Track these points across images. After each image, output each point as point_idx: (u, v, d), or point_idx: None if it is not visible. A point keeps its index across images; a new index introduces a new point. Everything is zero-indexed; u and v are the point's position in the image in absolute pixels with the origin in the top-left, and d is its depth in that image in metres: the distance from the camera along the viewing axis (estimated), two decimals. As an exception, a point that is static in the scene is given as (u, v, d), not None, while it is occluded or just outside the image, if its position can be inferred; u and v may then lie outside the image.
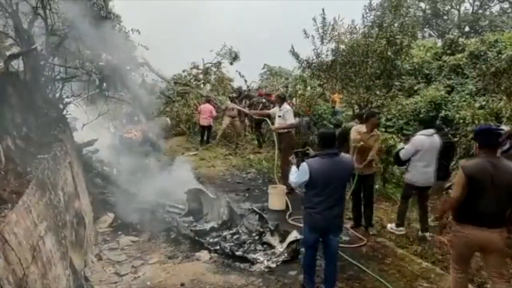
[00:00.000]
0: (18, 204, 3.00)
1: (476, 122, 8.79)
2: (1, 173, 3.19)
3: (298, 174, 4.48)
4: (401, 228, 6.69)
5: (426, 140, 6.26)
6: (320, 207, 4.39)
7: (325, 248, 4.68)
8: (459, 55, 13.22)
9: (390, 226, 6.80)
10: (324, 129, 6.94)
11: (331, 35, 11.15)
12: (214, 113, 14.57)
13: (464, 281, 4.24)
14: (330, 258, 4.68)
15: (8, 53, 5.16)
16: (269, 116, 9.92)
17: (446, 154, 6.93)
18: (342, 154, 4.57)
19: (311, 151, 4.92)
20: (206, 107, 14.34)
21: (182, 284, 4.93)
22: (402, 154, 6.42)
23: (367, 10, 11.15)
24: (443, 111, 11.18)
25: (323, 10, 11.05)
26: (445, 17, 28.36)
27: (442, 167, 6.77)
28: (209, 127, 14.60)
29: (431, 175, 6.36)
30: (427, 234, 6.47)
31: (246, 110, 13.73)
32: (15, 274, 2.67)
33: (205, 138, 14.50)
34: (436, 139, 6.33)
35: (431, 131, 6.35)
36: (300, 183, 4.48)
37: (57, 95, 6.08)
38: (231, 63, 18.75)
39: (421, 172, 6.31)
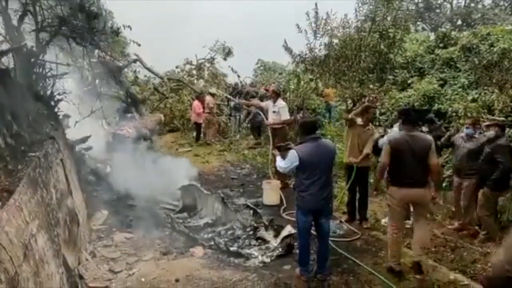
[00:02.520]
0: (9, 203, 2.98)
1: (469, 115, 8.81)
2: (-8, 171, 3.16)
3: (287, 160, 4.81)
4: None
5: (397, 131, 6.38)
6: (311, 189, 4.72)
7: (317, 230, 5.05)
8: (452, 49, 13.22)
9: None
10: (305, 118, 7.34)
11: (324, 30, 11.13)
12: (201, 109, 14.09)
13: (400, 238, 5.17)
14: (322, 239, 5.07)
15: (-3, 50, 5.11)
16: (261, 109, 9.90)
17: (437, 148, 6.97)
18: (324, 139, 5.07)
19: (292, 145, 5.10)
20: (195, 104, 14.17)
21: (177, 280, 4.94)
22: (379, 142, 6.48)
23: (360, 4, 11.14)
24: (436, 105, 11.19)
25: (316, 4, 11.02)
26: (437, 11, 28.34)
27: None
28: (200, 124, 14.38)
29: None
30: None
31: (236, 100, 13.80)
32: (7, 273, 2.65)
33: (200, 135, 14.33)
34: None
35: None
36: (291, 168, 4.79)
37: (49, 92, 6.03)
38: (225, 59, 18.66)
39: None
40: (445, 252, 5.84)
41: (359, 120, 6.67)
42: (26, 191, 3.37)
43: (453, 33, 15.15)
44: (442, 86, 12.13)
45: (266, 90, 14.62)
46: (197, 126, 14.36)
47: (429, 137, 5.16)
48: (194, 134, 14.66)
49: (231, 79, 18.80)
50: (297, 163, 4.67)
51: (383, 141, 6.36)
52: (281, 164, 4.92)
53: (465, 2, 27.53)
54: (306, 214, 4.87)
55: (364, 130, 6.61)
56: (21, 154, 3.88)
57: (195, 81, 17.98)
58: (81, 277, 4.75)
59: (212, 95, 14.48)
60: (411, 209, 5.59)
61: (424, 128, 6.82)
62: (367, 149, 6.59)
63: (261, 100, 12.54)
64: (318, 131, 5.03)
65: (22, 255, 2.97)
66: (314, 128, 4.95)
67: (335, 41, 11.18)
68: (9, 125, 3.90)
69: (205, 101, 14.12)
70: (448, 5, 28.43)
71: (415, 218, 5.30)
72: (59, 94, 6.36)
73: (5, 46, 5.59)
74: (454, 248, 5.91)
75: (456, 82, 12.00)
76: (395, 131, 6.42)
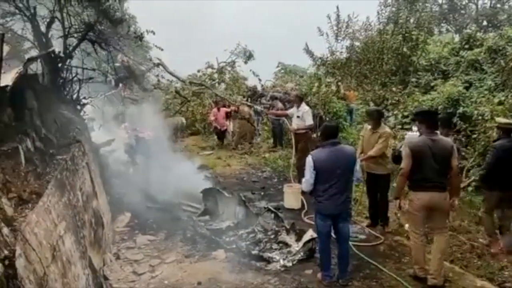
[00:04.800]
0: (38, 205, 3.06)
1: (495, 118, 8.61)
2: (22, 174, 3.25)
3: (306, 170, 4.81)
4: None
5: (414, 135, 6.32)
6: (327, 194, 4.71)
7: (337, 233, 5.00)
8: (477, 50, 12.92)
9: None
10: (327, 122, 7.29)
11: (346, 33, 11.09)
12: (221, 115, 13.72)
13: (423, 244, 5.03)
14: (342, 242, 5.02)
15: (26, 56, 5.26)
16: (287, 116, 9.90)
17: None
18: (343, 144, 4.98)
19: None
20: (216, 112, 13.80)
21: (199, 283, 4.97)
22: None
23: (382, 7, 11.05)
24: (461, 108, 10.95)
25: (337, 7, 11.00)
26: (462, 12, 27.82)
27: None
28: (223, 130, 14.08)
29: None
30: None
31: (262, 109, 13.72)
32: (36, 274, 2.72)
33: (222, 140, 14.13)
34: None
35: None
36: (312, 175, 4.72)
37: (75, 96, 6.17)
38: (246, 62, 18.70)
39: None
40: (472, 258, 5.70)
41: (368, 127, 6.65)
42: (54, 194, 3.46)
43: (478, 34, 14.80)
44: (467, 88, 11.87)
45: (235, 111, 14.33)
46: (219, 131, 14.06)
47: (450, 140, 5.09)
48: (215, 137, 14.55)
49: (252, 82, 18.83)
50: (313, 169, 4.68)
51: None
52: (304, 178, 4.90)
53: (490, 3, 26.93)
54: (324, 219, 4.87)
55: (372, 133, 6.53)
56: (50, 157, 3.98)
57: (216, 85, 18.08)
58: (105, 278, 4.84)
59: (249, 106, 14.36)
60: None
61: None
62: (371, 152, 6.49)
63: (283, 104, 12.54)
64: (338, 135, 4.99)
65: (51, 256, 3.05)
66: (335, 133, 4.93)
67: (357, 44, 11.11)
68: (38, 129, 4.01)
69: (239, 111, 13.96)
70: (473, 6, 27.88)
71: (434, 226, 5.06)
72: (84, 98, 6.51)
73: (34, 52, 5.75)
74: (481, 255, 5.78)
75: (482, 84, 11.71)
76: (410, 135, 6.39)
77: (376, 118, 6.57)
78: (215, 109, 13.90)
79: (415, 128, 6.66)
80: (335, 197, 4.72)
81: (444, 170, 4.80)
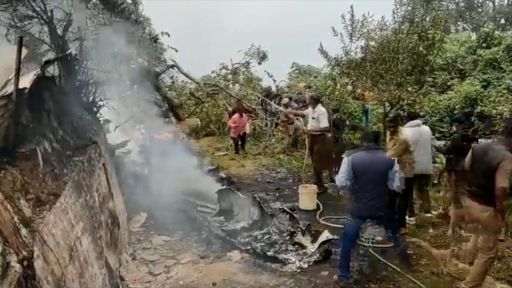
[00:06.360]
0: (55, 206, 3.09)
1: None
2: (40, 175, 3.29)
3: (341, 168, 5.01)
4: (412, 218, 6.89)
5: (409, 131, 6.48)
6: (360, 196, 4.89)
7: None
8: (495, 49, 12.74)
9: (408, 219, 6.84)
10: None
11: (360, 32, 10.97)
12: (241, 123, 12.95)
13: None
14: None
15: (44, 58, 5.33)
16: (303, 116, 9.87)
17: (466, 148, 6.83)
18: (382, 151, 5.18)
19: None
20: (236, 117, 12.89)
21: (214, 284, 4.96)
22: None
23: (398, 6, 10.92)
24: (478, 107, 10.80)
25: (351, 7, 10.89)
26: (479, 10, 27.36)
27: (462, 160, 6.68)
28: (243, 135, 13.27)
29: (424, 164, 6.57)
30: (412, 219, 6.86)
31: (282, 109, 13.62)
32: (53, 274, 2.75)
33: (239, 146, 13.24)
34: (424, 129, 6.80)
35: (416, 122, 6.78)
36: (346, 174, 4.88)
37: (91, 98, 6.23)
38: (259, 63, 18.72)
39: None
40: (491, 261, 5.58)
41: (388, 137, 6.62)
42: (71, 195, 3.49)
43: (496, 32, 14.57)
44: (485, 87, 11.71)
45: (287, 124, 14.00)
46: (236, 139, 13.25)
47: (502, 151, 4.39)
48: (231, 143, 13.77)
49: (266, 83, 18.82)
50: (349, 168, 4.84)
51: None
52: (338, 176, 5.08)
53: (508, 1, 26.44)
54: (355, 219, 5.02)
55: (390, 138, 6.48)
56: (67, 159, 4.02)
57: (231, 86, 18.13)
58: (122, 278, 4.87)
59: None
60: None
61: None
62: None
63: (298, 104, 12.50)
64: (378, 141, 5.16)
65: (68, 257, 3.07)
66: (374, 139, 5.07)
67: (372, 43, 10.99)
68: (55, 131, 4.05)
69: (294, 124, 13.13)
70: (491, 4, 27.41)
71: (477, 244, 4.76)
72: (100, 100, 6.57)
73: (51, 55, 5.82)
74: (500, 257, 5.65)
75: (500, 83, 11.54)
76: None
77: (394, 126, 6.49)
78: (236, 116, 12.92)
79: (413, 122, 6.75)
80: (368, 201, 4.85)
81: (488, 182, 4.42)
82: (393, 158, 6.21)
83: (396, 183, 4.94)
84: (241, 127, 13.04)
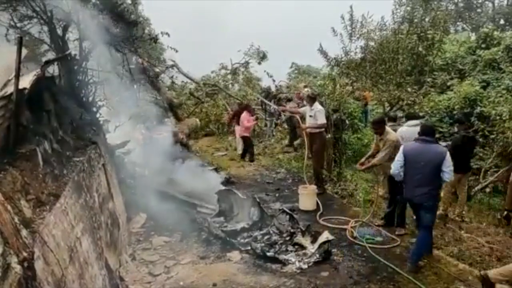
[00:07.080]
0: (56, 206, 3.08)
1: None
2: (40, 176, 3.28)
3: (398, 155, 5.43)
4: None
5: (407, 130, 6.71)
6: (409, 181, 5.29)
7: (418, 221, 5.58)
8: (495, 49, 12.76)
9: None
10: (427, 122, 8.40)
11: (360, 32, 10.98)
12: (250, 122, 12.05)
13: None
14: (420, 229, 5.55)
15: (44, 58, 5.32)
16: (299, 114, 9.85)
17: (467, 148, 7.01)
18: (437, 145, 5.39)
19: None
20: (244, 116, 11.94)
21: (214, 285, 4.96)
22: None
23: (397, 6, 10.93)
24: (478, 107, 10.80)
25: (351, 7, 10.89)
26: (478, 10, 27.41)
27: (463, 160, 6.83)
28: (246, 138, 12.23)
29: None
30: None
31: (275, 106, 13.64)
32: (54, 275, 2.74)
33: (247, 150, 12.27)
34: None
35: (414, 122, 6.92)
36: (400, 161, 5.31)
37: (91, 98, 6.22)
38: (259, 63, 18.71)
39: None
40: (491, 261, 5.60)
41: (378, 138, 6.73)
42: (71, 195, 3.48)
43: (495, 33, 14.59)
44: (484, 88, 11.72)
45: (300, 98, 13.82)
46: (245, 140, 12.28)
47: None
48: (239, 148, 12.85)
49: (266, 83, 18.81)
50: (401, 156, 5.28)
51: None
52: (394, 163, 5.45)
53: (508, 1, 26.47)
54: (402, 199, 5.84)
55: (380, 139, 6.56)
56: (67, 159, 4.01)
57: (230, 86, 18.13)
58: (122, 279, 4.86)
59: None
60: None
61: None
62: (375, 160, 6.52)
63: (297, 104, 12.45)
64: (433, 135, 5.40)
65: (68, 258, 3.06)
66: (429, 133, 5.30)
67: (372, 44, 11.00)
68: (55, 131, 4.05)
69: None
70: (490, 4, 27.46)
71: None
72: (100, 100, 6.56)
73: (50, 55, 5.81)
74: (500, 258, 5.66)
75: (499, 83, 11.55)
76: (399, 130, 6.81)
77: (377, 128, 6.63)
78: (245, 114, 12.00)
79: (411, 122, 6.90)
80: (415, 187, 5.20)
81: None
82: (381, 161, 6.36)
83: (447, 175, 5.11)
84: (243, 128, 12.01)
